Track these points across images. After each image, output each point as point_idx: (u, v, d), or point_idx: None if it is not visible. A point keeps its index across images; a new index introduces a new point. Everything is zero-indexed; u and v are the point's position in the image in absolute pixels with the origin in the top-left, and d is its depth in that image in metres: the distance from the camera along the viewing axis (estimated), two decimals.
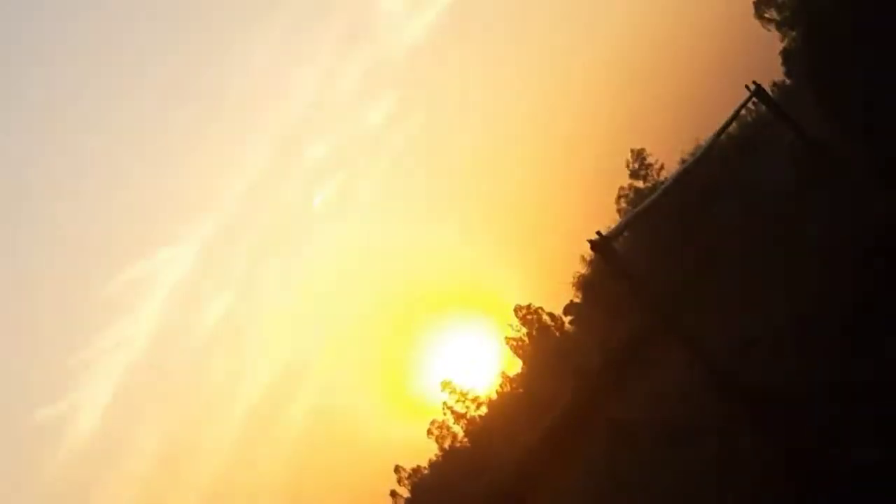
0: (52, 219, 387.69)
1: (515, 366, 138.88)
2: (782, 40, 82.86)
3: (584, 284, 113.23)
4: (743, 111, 48.92)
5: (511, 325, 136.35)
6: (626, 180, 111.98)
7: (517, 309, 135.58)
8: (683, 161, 78.79)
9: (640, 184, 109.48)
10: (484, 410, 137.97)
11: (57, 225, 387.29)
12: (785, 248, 37.72)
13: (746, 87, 45.27)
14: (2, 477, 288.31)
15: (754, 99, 45.92)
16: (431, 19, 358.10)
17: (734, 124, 50.83)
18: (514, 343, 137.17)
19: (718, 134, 47.10)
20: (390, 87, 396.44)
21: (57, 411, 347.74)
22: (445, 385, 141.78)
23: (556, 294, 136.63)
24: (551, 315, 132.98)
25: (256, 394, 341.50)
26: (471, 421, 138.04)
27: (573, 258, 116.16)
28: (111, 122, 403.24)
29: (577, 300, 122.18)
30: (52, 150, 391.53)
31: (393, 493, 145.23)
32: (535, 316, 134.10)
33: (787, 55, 71.35)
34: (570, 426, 62.50)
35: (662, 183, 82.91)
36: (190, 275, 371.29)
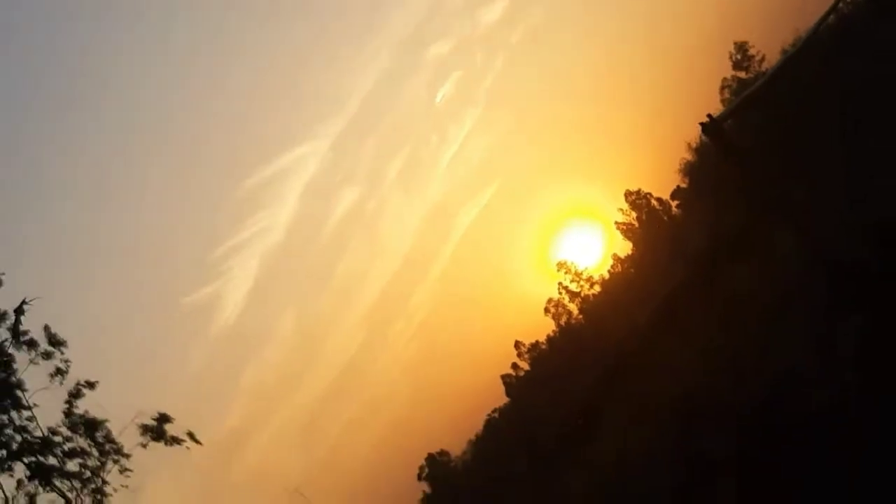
0: (198, 122, 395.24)
1: (626, 248, 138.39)
2: None
3: (690, 170, 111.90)
4: (841, 2, 47.53)
5: (622, 210, 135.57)
6: (730, 71, 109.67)
7: (627, 194, 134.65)
8: (785, 52, 76.89)
9: (742, 75, 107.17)
10: (597, 289, 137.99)
11: (201, 128, 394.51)
12: (886, 131, 37.04)
13: None
14: (154, 358, 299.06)
15: None
16: None
17: (833, 14, 49.53)
18: (625, 227, 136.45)
19: (819, 24, 45.99)
20: None
21: (204, 296, 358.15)
22: (561, 265, 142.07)
23: (664, 179, 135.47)
24: (660, 200, 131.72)
25: (384, 279, 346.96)
26: (585, 299, 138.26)
27: (679, 146, 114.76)
28: (246, 35, 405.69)
29: (683, 185, 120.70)
30: (198, 67, 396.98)
31: (514, 366, 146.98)
32: (644, 200, 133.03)
33: None
34: (681, 305, 62.47)
35: (765, 74, 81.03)
36: (322, 171, 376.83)
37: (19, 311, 38.42)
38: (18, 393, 37.70)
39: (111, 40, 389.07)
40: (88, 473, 36.56)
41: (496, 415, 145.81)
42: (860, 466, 17.05)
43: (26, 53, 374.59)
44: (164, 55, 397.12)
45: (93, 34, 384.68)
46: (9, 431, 37.03)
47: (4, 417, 37.20)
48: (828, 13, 45.68)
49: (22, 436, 37.27)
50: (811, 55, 53.62)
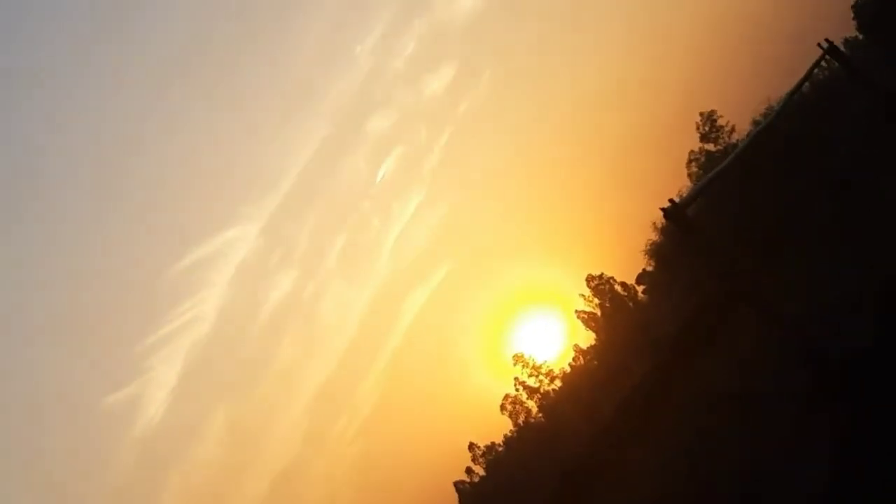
0: (112, 209, 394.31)
1: (588, 338, 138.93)
2: None
3: (656, 252, 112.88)
4: (816, 69, 48.53)
5: (583, 296, 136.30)
6: (696, 144, 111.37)
7: (589, 279, 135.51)
8: (756, 122, 78.26)
9: (711, 147, 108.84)
10: (557, 384, 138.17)
11: (118, 214, 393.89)
12: (865, 212, 37.56)
13: (819, 45, 44.97)
14: (68, 467, 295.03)
15: (827, 57, 45.66)
16: None
17: (807, 83, 50.50)
18: (586, 315, 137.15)
19: (792, 93, 46.83)
20: (449, 57, 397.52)
21: (126, 395, 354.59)
22: (517, 359, 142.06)
23: (628, 262, 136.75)
24: (624, 284, 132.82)
25: (325, 372, 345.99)
26: (544, 395, 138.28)
27: (644, 225, 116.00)
28: (169, 107, 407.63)
29: (649, 268, 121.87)
30: (109, 141, 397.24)
31: (468, 471, 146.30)
32: (607, 286, 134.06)
33: (859, 10, 70.63)
34: (646, 404, 62.61)
35: (735, 146, 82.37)
36: (253, 255, 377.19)
37: None
38: None
39: (40, 115, 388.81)
40: None
41: None
42: None
43: None
44: (86, 131, 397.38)
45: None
46: None
47: None
48: (801, 82, 46.59)
49: None
50: (784, 126, 54.55)
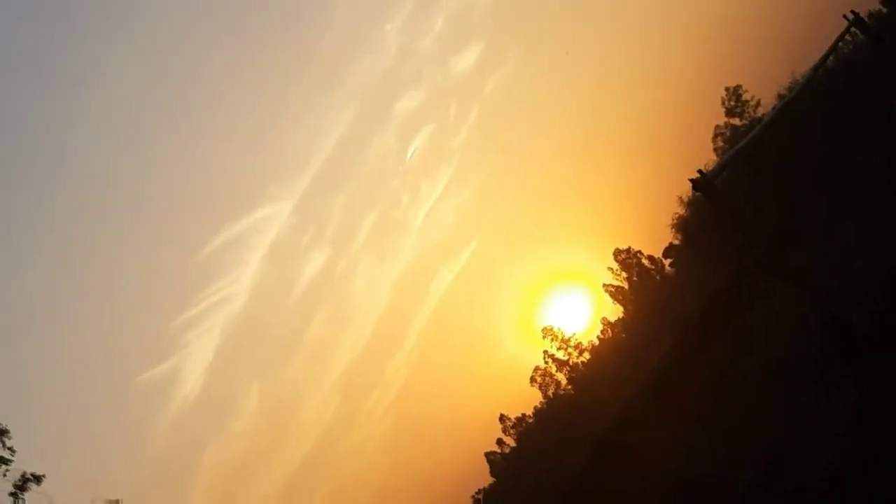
0: (149, 190, 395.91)
1: (616, 311, 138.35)
2: None
3: (683, 226, 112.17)
4: (840, 43, 48.09)
5: (611, 270, 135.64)
6: (722, 119, 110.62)
7: (616, 253, 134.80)
8: (781, 97, 77.61)
9: (736, 121, 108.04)
10: (586, 357, 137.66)
11: (154, 196, 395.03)
12: (889, 183, 37.24)
13: (844, 16, 44.56)
14: (107, 443, 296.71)
15: (852, 29, 45.23)
16: None
17: (833, 56, 50.07)
18: (614, 289, 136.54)
19: (817, 67, 46.44)
20: (476, 36, 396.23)
21: (161, 373, 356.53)
22: (547, 332, 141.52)
23: (656, 236, 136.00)
24: (651, 258, 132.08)
25: (357, 347, 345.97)
26: (573, 368, 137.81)
27: (671, 199, 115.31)
28: (202, 90, 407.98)
29: (676, 242, 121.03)
30: (147, 125, 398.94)
31: (499, 442, 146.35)
32: (634, 259, 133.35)
33: None
34: (673, 374, 62.41)
35: (760, 120, 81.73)
36: (285, 233, 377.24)
37: None
38: None
39: (76, 108, 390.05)
40: None
41: (480, 496, 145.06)
42: None
43: None
44: (119, 118, 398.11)
45: (57, 99, 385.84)
46: None
47: None
48: (826, 55, 46.17)
49: None
50: (809, 100, 54.12)
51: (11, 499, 37.78)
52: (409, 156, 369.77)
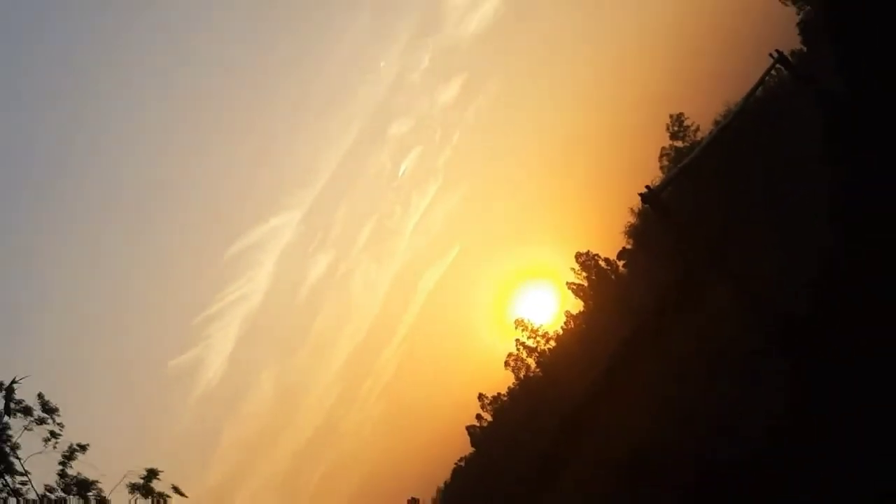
0: (177, 197, 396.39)
1: (577, 306, 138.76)
2: (798, 13, 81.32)
3: (634, 233, 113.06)
4: (767, 77, 48.51)
5: (573, 270, 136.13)
6: (667, 141, 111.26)
7: (577, 256, 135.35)
8: (717, 122, 78.04)
9: (679, 144, 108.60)
10: (552, 344, 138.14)
11: (180, 202, 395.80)
12: (810, 196, 37.57)
13: (770, 55, 44.97)
14: (142, 419, 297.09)
15: (777, 65, 45.64)
16: (492, 9, 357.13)
17: (761, 88, 50.43)
18: (575, 287, 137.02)
19: (747, 97, 46.90)
20: (459, 70, 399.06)
21: (188, 359, 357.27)
22: (518, 323, 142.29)
23: (611, 241, 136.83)
24: (607, 260, 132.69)
25: (356, 339, 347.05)
26: (541, 354, 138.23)
27: (624, 210, 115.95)
28: (227, 115, 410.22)
29: (628, 247, 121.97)
30: (178, 146, 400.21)
31: (478, 417, 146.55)
32: (593, 261, 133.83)
33: (804, 26, 70.35)
34: (628, 358, 62.68)
35: (699, 142, 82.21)
36: (295, 240, 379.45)
37: (10, 389, 38.12)
38: (12, 458, 37.32)
39: (98, 117, 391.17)
40: None
41: (462, 463, 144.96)
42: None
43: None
44: (146, 134, 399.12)
45: (80, 109, 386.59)
46: (3, 495, 36.49)
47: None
48: (755, 87, 46.57)
49: (17, 498, 36.74)
50: (741, 125, 54.46)
51: (60, 467, 38.00)
52: (400, 173, 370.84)
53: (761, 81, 47.05)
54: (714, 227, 52.21)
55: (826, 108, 44.74)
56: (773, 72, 47.25)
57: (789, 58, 52.36)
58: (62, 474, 37.77)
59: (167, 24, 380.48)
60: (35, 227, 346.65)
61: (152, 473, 38.92)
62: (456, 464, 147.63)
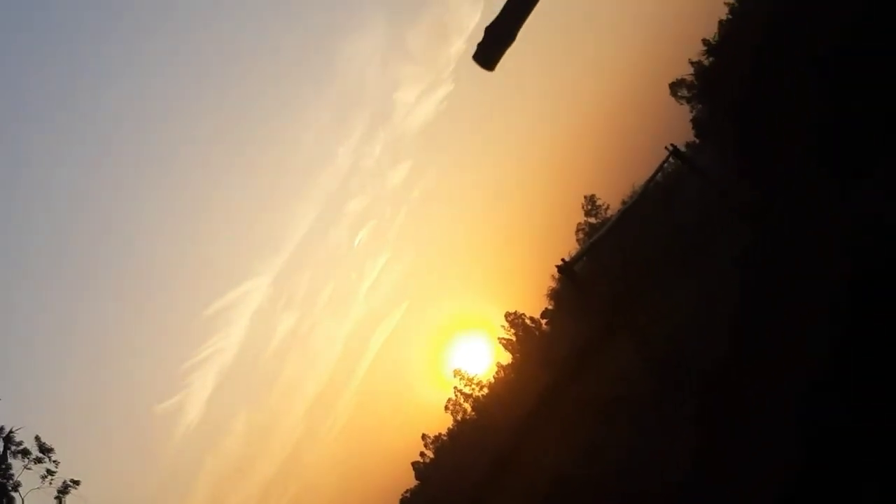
0: (163, 262, 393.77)
1: (507, 358, 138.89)
2: (692, 111, 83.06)
3: (555, 296, 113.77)
4: (665, 165, 49.25)
5: (503, 327, 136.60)
6: (582, 218, 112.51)
7: (507, 315, 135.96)
8: (624, 202, 79.01)
9: (592, 220, 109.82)
10: (486, 391, 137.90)
11: (166, 267, 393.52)
12: (697, 264, 38.02)
13: (666, 147, 45.60)
14: (130, 457, 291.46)
15: (672, 156, 46.34)
16: (434, 106, 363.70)
17: (660, 174, 51.16)
18: (505, 342, 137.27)
19: (648, 182, 47.50)
20: (406, 156, 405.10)
21: (172, 404, 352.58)
22: (456, 372, 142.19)
23: (535, 302, 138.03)
24: (532, 319, 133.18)
25: (318, 385, 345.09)
26: (476, 399, 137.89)
27: (546, 276, 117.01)
28: (204, 193, 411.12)
29: (550, 307, 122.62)
30: (172, 217, 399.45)
31: (422, 454, 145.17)
32: (520, 320, 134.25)
33: (696, 122, 71.64)
34: (550, 402, 62.42)
35: (609, 220, 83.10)
36: (265, 301, 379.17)
37: (8, 438, 37.02)
38: (13, 493, 36.16)
39: (90, 190, 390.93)
40: None
41: (408, 495, 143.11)
42: None
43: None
44: (141, 210, 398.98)
45: (83, 178, 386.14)
46: None
47: None
48: (653, 175, 47.23)
49: None
50: (645, 205, 55.13)
51: (56, 501, 36.89)
52: (356, 243, 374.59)
53: (658, 170, 47.73)
54: (621, 292, 52.52)
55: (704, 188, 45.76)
56: (670, 160, 47.97)
57: (683, 150, 53.37)
58: None
59: (154, 106, 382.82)
60: (37, 305, 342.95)
61: None
62: (403, 495, 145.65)
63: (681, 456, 18.82)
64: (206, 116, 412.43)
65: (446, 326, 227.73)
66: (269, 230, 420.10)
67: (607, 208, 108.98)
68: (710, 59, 62.07)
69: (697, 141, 74.73)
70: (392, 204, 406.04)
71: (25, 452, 36.11)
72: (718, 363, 21.45)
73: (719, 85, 43.73)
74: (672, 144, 46.05)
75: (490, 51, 7.51)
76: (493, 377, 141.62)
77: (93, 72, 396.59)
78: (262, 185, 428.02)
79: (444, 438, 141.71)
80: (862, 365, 13.61)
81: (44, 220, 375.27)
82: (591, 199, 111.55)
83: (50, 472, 36.16)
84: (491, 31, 7.46)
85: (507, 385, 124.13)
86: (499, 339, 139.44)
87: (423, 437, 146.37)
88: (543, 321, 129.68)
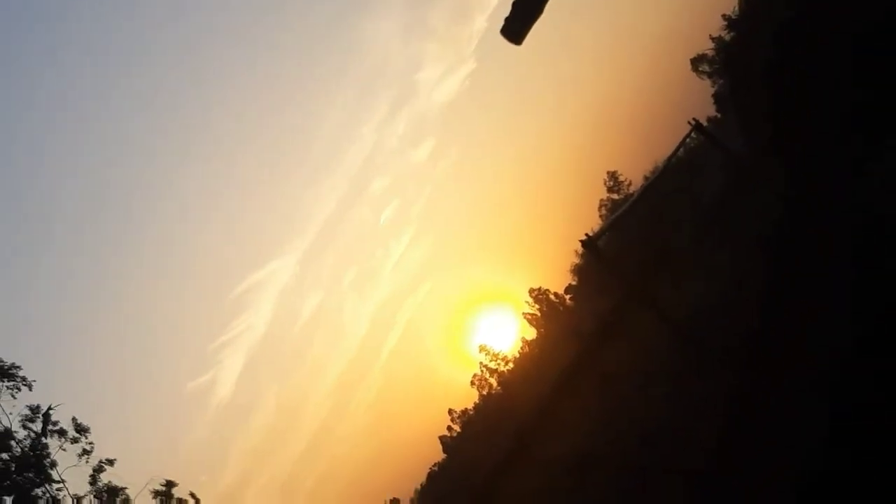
0: (195, 245, 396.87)
1: (532, 333, 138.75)
2: (713, 86, 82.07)
3: (578, 271, 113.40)
4: (687, 140, 48.58)
5: (528, 302, 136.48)
6: (604, 194, 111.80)
7: (531, 291, 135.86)
8: (646, 178, 78.27)
9: (615, 196, 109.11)
10: (511, 366, 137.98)
11: (198, 250, 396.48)
12: (722, 240, 37.49)
13: (689, 122, 44.95)
14: (163, 434, 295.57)
15: (695, 131, 45.65)
16: (457, 84, 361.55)
17: (682, 149, 50.50)
18: (530, 317, 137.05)
19: (670, 158, 46.89)
20: (429, 134, 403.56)
21: (203, 382, 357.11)
22: (482, 348, 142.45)
23: (559, 278, 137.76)
24: (556, 294, 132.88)
25: (345, 362, 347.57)
26: (501, 374, 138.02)
27: (570, 252, 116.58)
28: (237, 176, 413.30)
29: (574, 283, 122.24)
30: (203, 199, 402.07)
31: (449, 429, 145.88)
32: (544, 296, 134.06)
33: (717, 97, 70.78)
34: (574, 377, 62.15)
35: (631, 195, 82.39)
36: (293, 278, 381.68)
37: (46, 415, 37.28)
38: (50, 470, 36.48)
39: (120, 176, 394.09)
40: None
41: (436, 468, 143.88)
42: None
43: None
44: (170, 192, 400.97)
45: (109, 167, 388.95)
46: (45, 499, 35.60)
47: (39, 491, 35.77)
48: (675, 151, 46.63)
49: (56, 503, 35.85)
50: (667, 180, 54.47)
51: (90, 479, 37.11)
52: (381, 222, 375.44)
53: (680, 145, 47.11)
54: (641, 264, 52.03)
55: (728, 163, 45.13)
56: (692, 135, 47.31)
57: (705, 124, 52.66)
58: (93, 482, 36.84)
59: (183, 89, 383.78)
60: (71, 287, 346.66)
61: (170, 484, 38.03)
62: (430, 469, 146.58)
63: (706, 433, 18.49)
64: (230, 98, 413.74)
65: (471, 302, 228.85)
66: (295, 210, 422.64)
67: (630, 184, 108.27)
68: (731, 33, 61.19)
69: (719, 115, 73.77)
70: (416, 182, 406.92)
71: (62, 432, 36.30)
72: (746, 339, 21.05)
73: (741, 59, 42.93)
74: (694, 119, 45.41)
75: (517, 24, 7.34)
76: (518, 352, 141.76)
77: (122, 47, 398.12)
78: (288, 165, 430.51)
79: (471, 413, 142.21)
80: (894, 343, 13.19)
81: (75, 200, 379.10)
82: (613, 175, 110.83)
83: (86, 451, 36.35)
84: (518, 4, 7.25)
85: (532, 360, 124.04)
86: (523, 314, 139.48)
87: (450, 411, 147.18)
88: (567, 296, 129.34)
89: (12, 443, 34.12)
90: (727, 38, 63.18)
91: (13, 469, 33.66)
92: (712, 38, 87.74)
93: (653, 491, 20.38)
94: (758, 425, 16.07)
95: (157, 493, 36.45)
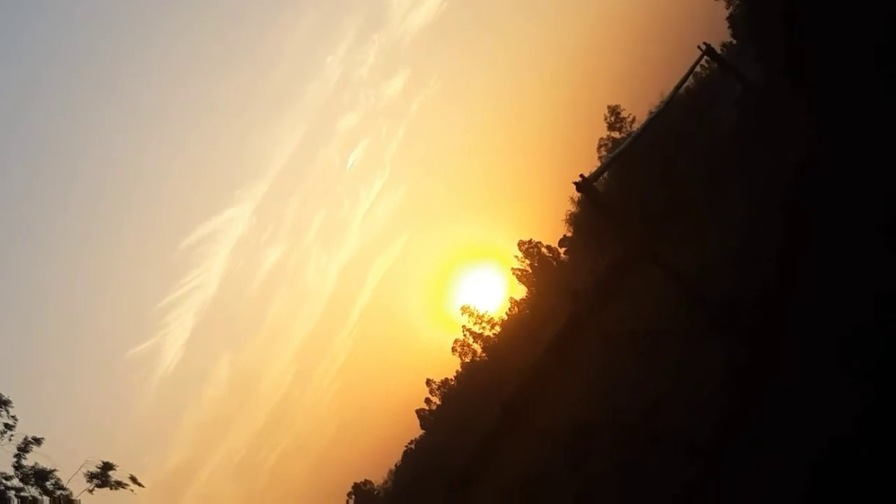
0: (132, 196, 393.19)
1: (521, 292, 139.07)
2: (728, 8, 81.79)
3: (574, 221, 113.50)
4: (697, 67, 48.65)
5: (517, 257, 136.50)
6: (605, 132, 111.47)
7: (520, 244, 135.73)
8: (651, 112, 78.31)
9: (616, 134, 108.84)
10: (497, 330, 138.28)
11: (137, 200, 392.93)
12: (735, 182, 37.74)
13: (699, 47, 45.01)
14: (101, 408, 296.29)
15: (706, 57, 45.71)
16: (435, 6, 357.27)
17: (692, 78, 50.60)
18: (519, 273, 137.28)
19: (677, 88, 46.90)
20: (403, 64, 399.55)
21: (146, 348, 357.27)
22: (464, 309, 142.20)
23: (552, 228, 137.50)
24: (549, 247, 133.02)
25: (309, 324, 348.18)
26: (487, 339, 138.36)
27: (564, 199, 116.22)
28: (176, 111, 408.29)
29: (569, 234, 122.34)
30: (139, 137, 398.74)
31: (427, 401, 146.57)
32: (535, 249, 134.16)
33: (733, 20, 70.70)
34: (568, 342, 62.78)
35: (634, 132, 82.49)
36: (249, 229, 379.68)
37: None
38: None
39: (68, 120, 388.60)
40: None
41: (412, 446, 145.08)
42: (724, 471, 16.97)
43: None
44: (104, 127, 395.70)
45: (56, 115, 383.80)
46: None
47: None
48: (683, 79, 46.60)
49: None
50: (675, 113, 54.61)
51: (15, 460, 37.40)
52: (348, 166, 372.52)
53: (690, 73, 47.13)
54: (646, 211, 52.33)
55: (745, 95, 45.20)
56: (704, 61, 47.34)
57: (719, 50, 52.64)
58: (18, 465, 37.02)
59: (123, 23, 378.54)
60: None
61: (108, 466, 38.32)
62: (406, 446, 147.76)
63: (713, 403, 18.92)
64: (174, 26, 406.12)
65: (452, 258, 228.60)
66: (251, 151, 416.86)
67: (633, 120, 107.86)
68: None
69: (734, 42, 73.77)
70: (389, 119, 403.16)
71: None
72: (761, 294, 21.38)
73: None
74: (706, 43, 45.46)
75: None
76: (506, 314, 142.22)
77: None
78: (242, 100, 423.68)
79: (452, 383, 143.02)
80: None
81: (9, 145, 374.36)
82: (614, 111, 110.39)
83: (8, 427, 36.19)
84: None
85: (522, 322, 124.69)
86: (512, 270, 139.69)
87: (429, 382, 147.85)
88: (562, 250, 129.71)
89: None
90: None
91: None
92: None
93: (654, 465, 20.87)
94: (767, 396, 16.52)
95: (92, 476, 36.38)
